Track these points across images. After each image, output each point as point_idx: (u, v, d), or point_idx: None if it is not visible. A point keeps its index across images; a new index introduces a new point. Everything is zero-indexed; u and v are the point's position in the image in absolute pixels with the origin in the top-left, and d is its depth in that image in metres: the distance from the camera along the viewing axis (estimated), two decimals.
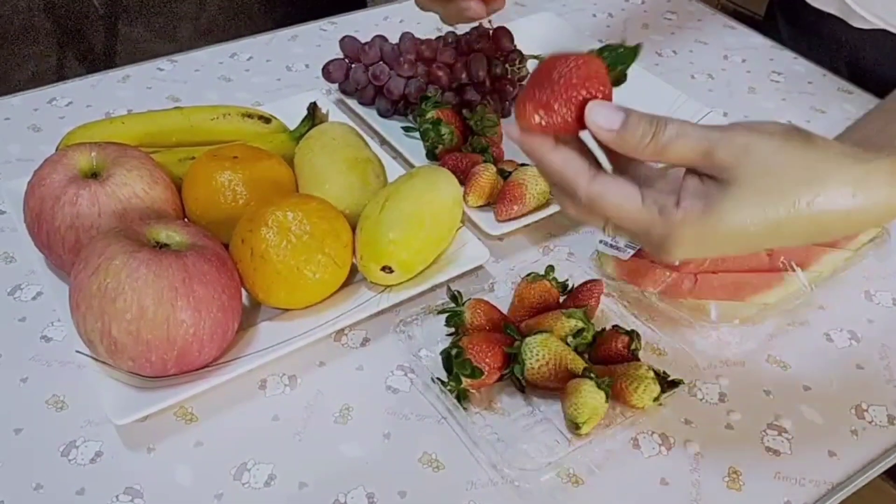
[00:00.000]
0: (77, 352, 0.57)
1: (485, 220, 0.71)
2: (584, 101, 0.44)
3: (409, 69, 0.81)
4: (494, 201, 0.72)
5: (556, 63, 0.44)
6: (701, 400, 0.59)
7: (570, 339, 0.58)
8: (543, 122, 0.44)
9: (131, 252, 0.53)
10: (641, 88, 0.86)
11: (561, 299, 0.63)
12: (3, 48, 2.07)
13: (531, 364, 0.56)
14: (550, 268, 0.63)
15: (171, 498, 0.52)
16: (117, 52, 2.13)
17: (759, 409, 0.59)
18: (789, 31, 1.02)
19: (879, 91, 0.91)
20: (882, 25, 0.88)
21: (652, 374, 0.56)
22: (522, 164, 0.73)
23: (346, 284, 0.64)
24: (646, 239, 0.46)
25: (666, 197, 0.44)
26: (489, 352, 0.56)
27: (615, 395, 0.56)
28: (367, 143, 0.73)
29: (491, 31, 0.82)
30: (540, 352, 0.56)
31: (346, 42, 0.83)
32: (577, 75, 0.44)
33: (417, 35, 0.82)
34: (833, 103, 0.90)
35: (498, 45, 0.82)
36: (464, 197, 0.71)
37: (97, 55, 2.14)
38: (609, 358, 0.59)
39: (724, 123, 0.82)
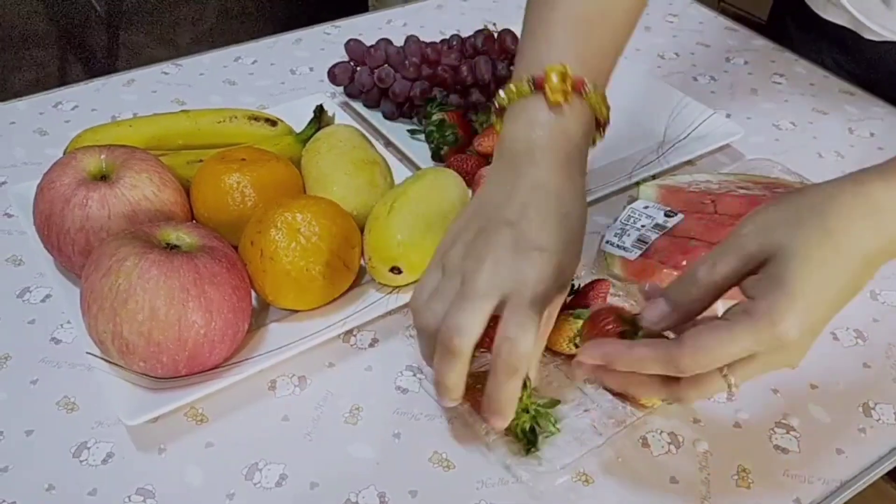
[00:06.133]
0: (88, 353, 0.57)
1: None
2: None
3: (413, 72, 0.81)
4: None
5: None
6: (709, 399, 0.59)
7: (577, 339, 0.59)
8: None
9: (143, 253, 0.54)
10: (644, 91, 0.87)
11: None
12: (5, 53, 2.07)
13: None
14: None
15: (183, 498, 0.53)
16: (119, 57, 2.14)
17: (766, 407, 0.59)
18: (800, 37, 1.00)
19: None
20: (895, 38, 0.87)
21: None
22: None
23: (354, 286, 0.64)
24: (763, 350, 0.44)
25: (736, 309, 0.45)
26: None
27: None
28: (373, 145, 0.74)
29: (495, 33, 0.83)
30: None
31: (352, 45, 0.83)
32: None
33: (422, 38, 0.83)
34: (834, 105, 0.91)
35: (502, 46, 0.82)
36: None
37: (98, 60, 2.14)
38: None
39: (724, 124, 0.82)
